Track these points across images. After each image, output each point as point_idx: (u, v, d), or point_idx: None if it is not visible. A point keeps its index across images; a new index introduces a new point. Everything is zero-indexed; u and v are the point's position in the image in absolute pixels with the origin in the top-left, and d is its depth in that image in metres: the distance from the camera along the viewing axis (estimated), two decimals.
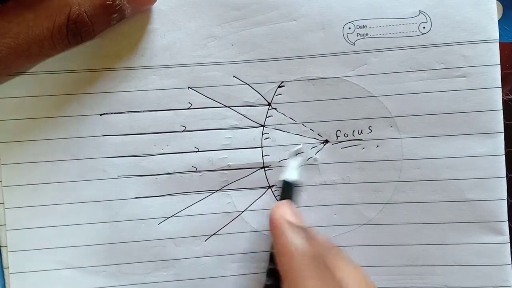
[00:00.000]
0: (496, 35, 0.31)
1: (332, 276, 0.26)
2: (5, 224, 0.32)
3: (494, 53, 0.32)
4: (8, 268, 0.33)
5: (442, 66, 0.32)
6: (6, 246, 0.32)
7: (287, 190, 0.31)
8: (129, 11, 0.29)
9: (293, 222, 0.28)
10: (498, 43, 0.31)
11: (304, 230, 0.27)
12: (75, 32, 0.28)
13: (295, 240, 0.26)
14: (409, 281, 0.33)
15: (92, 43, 0.31)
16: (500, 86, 0.32)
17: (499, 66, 0.32)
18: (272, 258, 0.29)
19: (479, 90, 0.32)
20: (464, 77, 0.32)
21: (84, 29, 0.28)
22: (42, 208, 0.32)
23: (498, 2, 0.33)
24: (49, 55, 0.30)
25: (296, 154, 0.31)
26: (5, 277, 0.33)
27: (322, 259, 0.26)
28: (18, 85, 0.32)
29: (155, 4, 0.31)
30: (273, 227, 0.28)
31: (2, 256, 0.33)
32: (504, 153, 0.32)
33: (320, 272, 0.25)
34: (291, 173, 0.31)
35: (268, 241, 0.33)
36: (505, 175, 0.32)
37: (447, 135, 0.32)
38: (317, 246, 0.27)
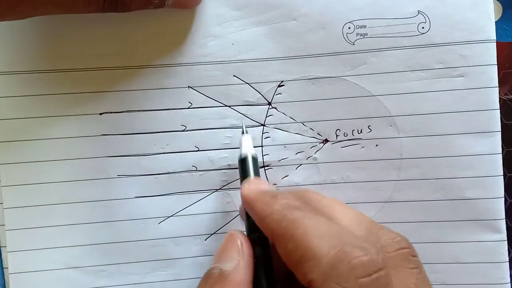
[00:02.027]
0: (493, 35, 0.32)
1: (322, 211, 0.24)
2: (4, 224, 0.32)
3: (491, 53, 0.32)
4: (7, 268, 0.32)
5: (441, 65, 0.32)
6: (6, 246, 0.32)
7: (250, 166, 0.29)
8: (170, 2, 0.29)
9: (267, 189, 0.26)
10: (495, 43, 0.32)
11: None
12: None
13: (278, 200, 0.24)
14: None
15: (92, 42, 0.31)
16: (497, 85, 0.32)
17: (496, 66, 0.32)
18: (252, 230, 0.27)
19: (477, 90, 0.32)
20: (462, 76, 0.32)
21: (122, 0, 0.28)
22: (41, 208, 0.32)
23: (498, 2, 0.33)
24: (79, 11, 0.28)
25: (243, 133, 0.30)
26: (5, 277, 0.33)
27: (305, 199, 0.25)
28: (17, 84, 0.32)
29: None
30: (250, 200, 0.25)
31: (2, 256, 0.33)
32: (501, 152, 0.32)
33: (313, 210, 0.24)
34: (249, 148, 0.29)
35: None
36: (502, 174, 0.33)
37: (446, 134, 0.33)
38: (293, 193, 0.25)
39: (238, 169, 0.30)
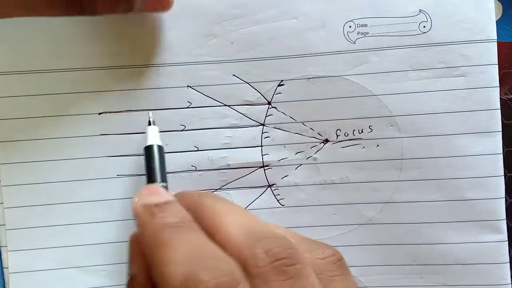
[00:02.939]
0: (494, 35, 0.31)
1: (208, 223, 0.23)
2: (4, 224, 0.32)
3: (492, 53, 0.32)
4: (7, 268, 0.32)
5: (442, 65, 0.32)
6: (6, 246, 0.32)
7: (154, 156, 0.30)
8: (139, 7, 0.28)
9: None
10: (496, 43, 0.31)
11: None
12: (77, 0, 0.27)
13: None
14: (409, 280, 0.33)
15: (91, 42, 0.31)
16: (498, 85, 0.32)
17: (497, 65, 0.32)
18: None
19: (478, 90, 0.32)
20: (463, 76, 0.32)
21: (87, 1, 0.27)
22: (42, 208, 0.32)
23: (498, 2, 0.33)
24: (42, 14, 0.27)
25: (149, 125, 0.31)
26: (5, 277, 0.33)
27: (195, 208, 0.24)
28: (16, 84, 0.32)
29: None
30: (135, 216, 0.24)
31: (2, 256, 0.33)
32: (502, 152, 0.32)
33: (191, 226, 0.23)
34: (154, 138, 0.30)
35: None
36: (503, 174, 0.32)
37: (447, 134, 0.32)
38: (181, 203, 0.25)
39: (234, 169, 0.32)
